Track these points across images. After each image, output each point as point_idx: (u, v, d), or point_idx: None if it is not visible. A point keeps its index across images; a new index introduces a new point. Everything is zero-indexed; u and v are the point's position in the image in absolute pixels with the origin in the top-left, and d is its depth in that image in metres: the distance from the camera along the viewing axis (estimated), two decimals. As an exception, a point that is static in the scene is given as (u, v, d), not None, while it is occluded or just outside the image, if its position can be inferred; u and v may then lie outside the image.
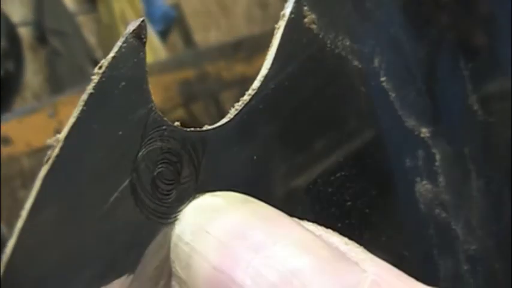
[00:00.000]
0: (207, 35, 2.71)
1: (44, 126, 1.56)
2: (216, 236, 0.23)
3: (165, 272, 0.24)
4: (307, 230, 0.23)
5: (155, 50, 2.24)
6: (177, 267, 0.23)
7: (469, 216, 0.37)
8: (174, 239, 0.24)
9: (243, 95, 0.27)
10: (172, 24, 2.55)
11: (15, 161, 1.74)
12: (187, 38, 2.63)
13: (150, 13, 2.34)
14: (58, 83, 2.18)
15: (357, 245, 0.23)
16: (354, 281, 0.21)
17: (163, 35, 2.46)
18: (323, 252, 0.22)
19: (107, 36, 2.29)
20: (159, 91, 1.72)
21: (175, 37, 2.61)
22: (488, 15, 0.40)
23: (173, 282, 0.24)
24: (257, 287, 0.21)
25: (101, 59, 0.23)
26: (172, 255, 0.24)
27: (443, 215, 0.35)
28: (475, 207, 0.37)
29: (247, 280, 0.21)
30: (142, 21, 0.23)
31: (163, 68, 1.84)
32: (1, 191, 1.64)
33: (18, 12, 2.20)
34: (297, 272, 0.21)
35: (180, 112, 2.07)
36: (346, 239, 0.23)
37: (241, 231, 0.23)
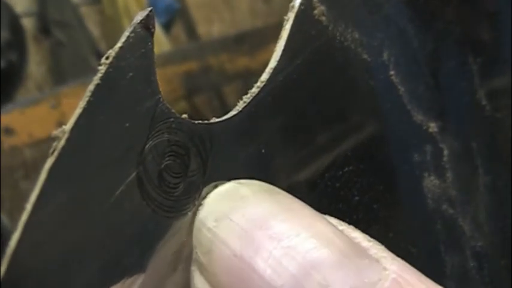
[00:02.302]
0: (211, 28, 2.70)
1: (47, 117, 1.56)
2: (239, 224, 0.23)
3: (184, 256, 0.24)
4: (331, 223, 0.23)
5: (158, 42, 2.23)
6: (199, 253, 0.23)
7: (476, 212, 0.36)
8: (197, 223, 0.24)
9: (247, 87, 0.27)
10: (175, 17, 2.55)
11: (18, 151, 1.74)
12: (191, 31, 2.62)
13: (153, 5, 2.33)
14: (61, 74, 2.18)
15: (379, 243, 0.23)
16: (374, 278, 0.21)
17: (167, 27, 2.46)
18: (345, 246, 0.22)
19: (110, 28, 2.28)
20: (162, 83, 1.70)
21: (178, 29, 2.61)
22: (495, 10, 0.40)
23: (193, 267, 0.24)
24: (277, 277, 0.21)
25: (104, 51, 0.22)
26: (195, 240, 0.24)
27: (451, 210, 0.35)
28: (482, 203, 0.37)
29: (268, 270, 0.21)
30: (151, 11, 0.23)
31: (167, 60, 1.84)
32: (3, 182, 1.64)
33: (21, 3, 2.20)
34: (317, 265, 0.21)
35: (183, 104, 2.07)
36: (368, 236, 0.23)
37: (265, 221, 0.22)
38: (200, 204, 0.24)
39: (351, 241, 0.22)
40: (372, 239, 0.23)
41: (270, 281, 0.21)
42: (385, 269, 0.21)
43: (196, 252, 0.23)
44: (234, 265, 0.22)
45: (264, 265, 0.21)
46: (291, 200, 0.24)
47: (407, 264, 0.22)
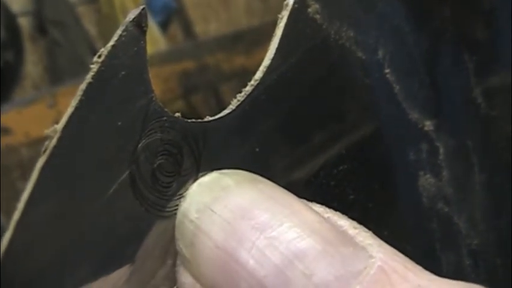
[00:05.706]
0: (207, 27, 2.70)
1: (43, 116, 1.56)
2: (221, 215, 0.22)
3: (172, 251, 0.24)
4: (315, 211, 0.23)
5: (155, 41, 2.23)
6: (181, 245, 0.23)
7: (472, 210, 0.36)
8: (179, 216, 0.24)
9: (243, 86, 0.27)
10: (172, 16, 2.55)
11: (14, 151, 1.74)
12: (188, 30, 2.62)
13: (150, 4, 2.33)
14: (57, 74, 2.17)
15: (366, 229, 0.23)
16: (360, 267, 0.21)
17: (164, 26, 2.46)
18: (330, 235, 0.22)
19: (107, 27, 2.28)
20: (158, 82, 1.72)
21: (175, 28, 2.61)
22: (491, 8, 0.40)
23: (178, 262, 0.23)
24: (260, 268, 0.21)
25: (101, 49, 0.22)
26: (177, 233, 0.23)
27: (446, 209, 0.35)
28: (478, 201, 0.37)
29: (251, 260, 0.21)
30: (143, 9, 0.23)
31: (163, 59, 1.84)
32: (0, 182, 1.64)
33: (18, 2, 2.20)
34: (301, 255, 0.21)
35: (180, 104, 2.07)
36: (355, 223, 0.23)
37: (247, 211, 0.22)
38: (182, 196, 0.24)
39: (335, 229, 0.22)
40: (358, 226, 0.23)
41: (253, 272, 0.21)
42: (371, 256, 0.21)
43: (179, 245, 0.23)
44: (217, 257, 0.22)
45: (247, 256, 0.21)
46: (274, 188, 0.24)
47: (394, 251, 0.22)
